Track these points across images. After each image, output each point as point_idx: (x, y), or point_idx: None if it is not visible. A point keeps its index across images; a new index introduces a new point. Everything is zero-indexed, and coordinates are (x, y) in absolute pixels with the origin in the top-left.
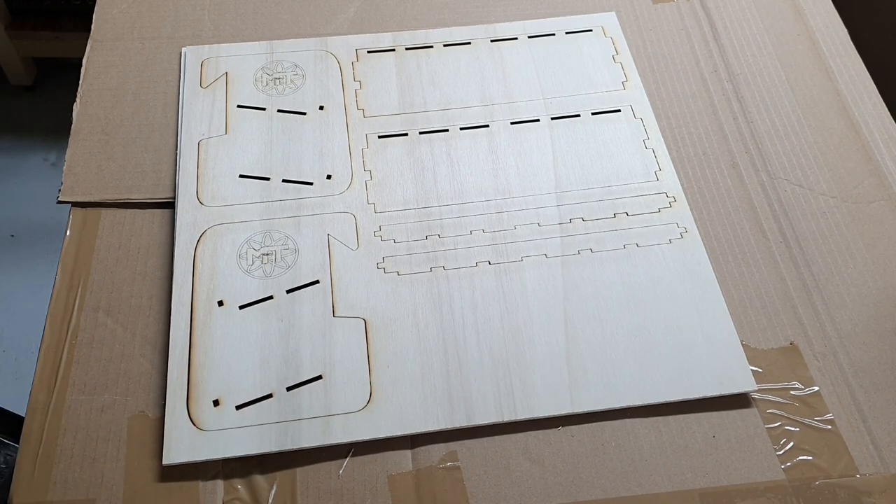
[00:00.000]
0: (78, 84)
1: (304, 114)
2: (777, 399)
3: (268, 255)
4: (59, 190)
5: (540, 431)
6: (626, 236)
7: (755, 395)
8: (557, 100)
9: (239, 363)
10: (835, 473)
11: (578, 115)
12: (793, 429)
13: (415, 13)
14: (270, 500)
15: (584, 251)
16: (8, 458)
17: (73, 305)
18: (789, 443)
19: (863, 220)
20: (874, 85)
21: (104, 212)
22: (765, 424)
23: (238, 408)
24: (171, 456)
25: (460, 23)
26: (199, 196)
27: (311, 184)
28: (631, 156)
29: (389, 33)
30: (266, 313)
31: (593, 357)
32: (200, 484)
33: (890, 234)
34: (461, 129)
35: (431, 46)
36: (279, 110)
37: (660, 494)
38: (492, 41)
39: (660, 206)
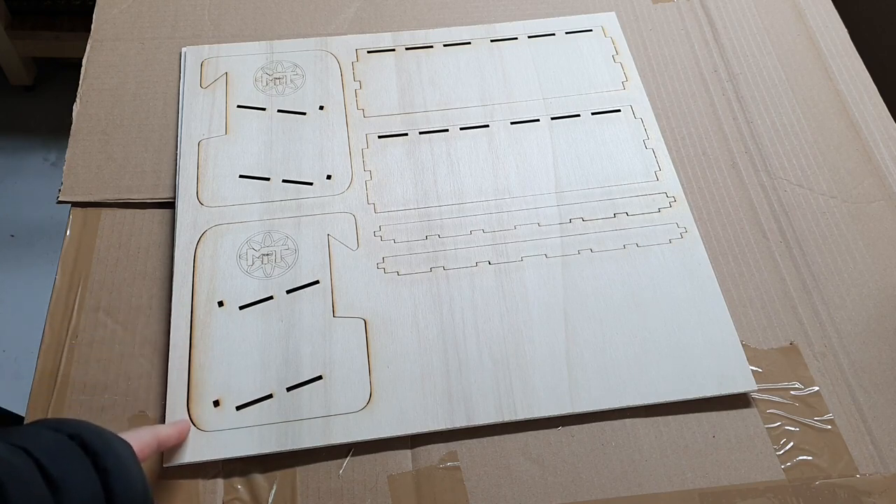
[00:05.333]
0: (78, 84)
1: (304, 114)
2: (777, 399)
3: (268, 255)
4: (59, 190)
5: (540, 431)
6: (626, 236)
7: (755, 395)
8: (557, 100)
9: (239, 363)
10: (835, 473)
11: (578, 115)
12: (793, 429)
13: (415, 13)
14: (270, 500)
15: (584, 251)
16: None
17: (73, 305)
18: (789, 443)
19: (863, 220)
20: (874, 85)
21: (104, 212)
22: (765, 424)
23: (238, 408)
24: (172, 457)
25: (460, 23)
26: (199, 196)
27: (311, 184)
28: (631, 156)
29: (389, 33)
30: (266, 313)
31: (593, 357)
32: (200, 484)
33: (890, 234)
34: (461, 129)
35: (431, 46)
36: (279, 110)
37: (660, 494)
38: (492, 41)
39: (660, 206)
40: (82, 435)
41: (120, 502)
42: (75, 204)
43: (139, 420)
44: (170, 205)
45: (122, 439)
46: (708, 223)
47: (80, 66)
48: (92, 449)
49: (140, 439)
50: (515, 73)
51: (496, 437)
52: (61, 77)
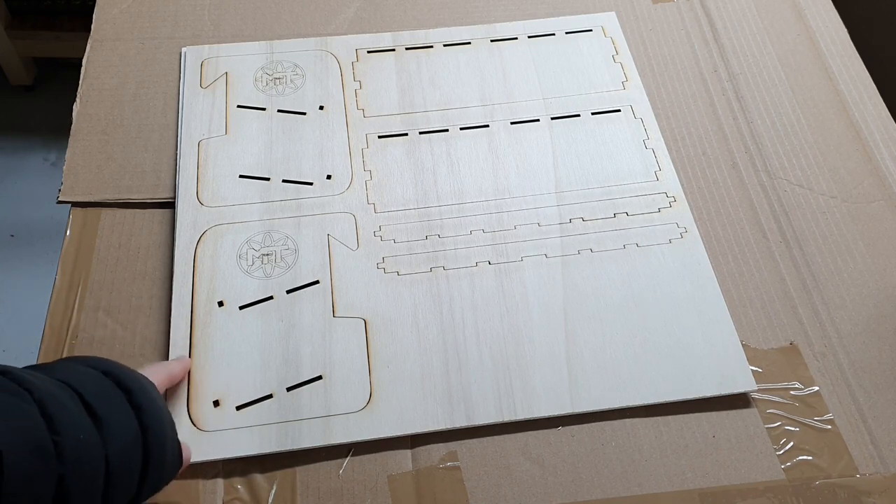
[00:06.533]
0: (78, 84)
1: (304, 114)
2: (777, 399)
3: (268, 255)
4: (59, 190)
5: (540, 431)
6: (626, 236)
7: (755, 395)
8: (557, 100)
9: (239, 363)
10: (835, 473)
11: (578, 115)
12: (793, 429)
13: (415, 13)
14: (270, 500)
15: (584, 251)
16: None
17: (73, 305)
18: (789, 443)
19: (863, 220)
20: (874, 85)
21: (104, 212)
22: (765, 424)
23: (238, 408)
24: None
25: (460, 23)
26: (199, 196)
27: (311, 184)
28: (631, 156)
29: (389, 33)
30: (266, 313)
31: (593, 357)
32: (200, 483)
33: (890, 234)
34: (461, 129)
35: (431, 46)
36: (279, 110)
37: (660, 494)
38: (492, 41)
39: (660, 206)
40: (115, 372)
41: (153, 437)
42: (75, 204)
43: None
44: (170, 205)
45: (147, 378)
46: (708, 223)
47: (80, 66)
48: (125, 386)
49: (157, 376)
50: (515, 73)
51: (496, 437)
52: (61, 77)
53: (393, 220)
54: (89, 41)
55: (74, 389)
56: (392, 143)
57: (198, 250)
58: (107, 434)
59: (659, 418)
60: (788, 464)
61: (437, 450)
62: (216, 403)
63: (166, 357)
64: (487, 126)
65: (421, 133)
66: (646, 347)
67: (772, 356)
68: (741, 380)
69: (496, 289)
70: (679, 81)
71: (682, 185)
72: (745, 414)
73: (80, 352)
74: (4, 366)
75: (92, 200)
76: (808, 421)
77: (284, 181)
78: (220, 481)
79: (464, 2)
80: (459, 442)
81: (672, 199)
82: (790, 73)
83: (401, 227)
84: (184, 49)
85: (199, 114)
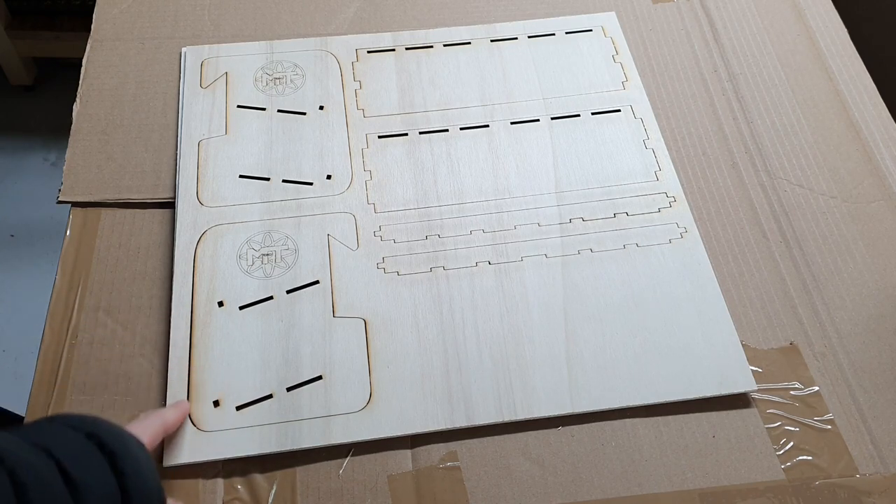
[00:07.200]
0: (78, 84)
1: (304, 114)
2: (777, 399)
3: (268, 255)
4: (59, 190)
5: (540, 431)
6: (626, 236)
7: (755, 395)
8: (557, 100)
9: (239, 364)
10: (835, 473)
11: (578, 115)
12: (793, 429)
13: (415, 13)
14: (270, 500)
15: (584, 251)
16: None
17: (73, 305)
18: (789, 443)
19: (863, 220)
20: (874, 85)
21: (104, 212)
22: (765, 424)
23: (238, 408)
24: (172, 457)
25: (460, 23)
26: (199, 196)
27: (311, 184)
28: (631, 156)
29: (389, 33)
30: (266, 314)
31: (593, 357)
32: (200, 483)
33: (890, 234)
34: (461, 129)
35: (431, 46)
36: (279, 110)
37: (660, 494)
38: (492, 41)
39: (660, 206)
40: (100, 434)
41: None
42: (75, 204)
43: None
44: (170, 205)
45: (136, 438)
46: (708, 223)
47: (80, 66)
48: (109, 449)
49: (151, 429)
50: (515, 73)
51: (496, 437)
52: (61, 77)
53: (393, 220)
54: (89, 41)
55: (52, 454)
56: (392, 143)
57: (198, 250)
58: (83, 503)
59: (659, 418)
60: (788, 464)
61: (437, 450)
62: (216, 403)
63: (166, 358)
64: (487, 126)
65: (421, 133)
66: (646, 347)
67: (772, 356)
68: (741, 380)
69: (496, 289)
70: (679, 81)
71: (682, 185)
72: (745, 414)
73: (80, 352)
74: None
75: (92, 200)
76: (808, 421)
77: (284, 181)
78: (220, 481)
79: (464, 2)
80: (459, 442)
81: (672, 199)
82: (790, 73)
83: (401, 227)
84: (184, 49)
85: (199, 114)
